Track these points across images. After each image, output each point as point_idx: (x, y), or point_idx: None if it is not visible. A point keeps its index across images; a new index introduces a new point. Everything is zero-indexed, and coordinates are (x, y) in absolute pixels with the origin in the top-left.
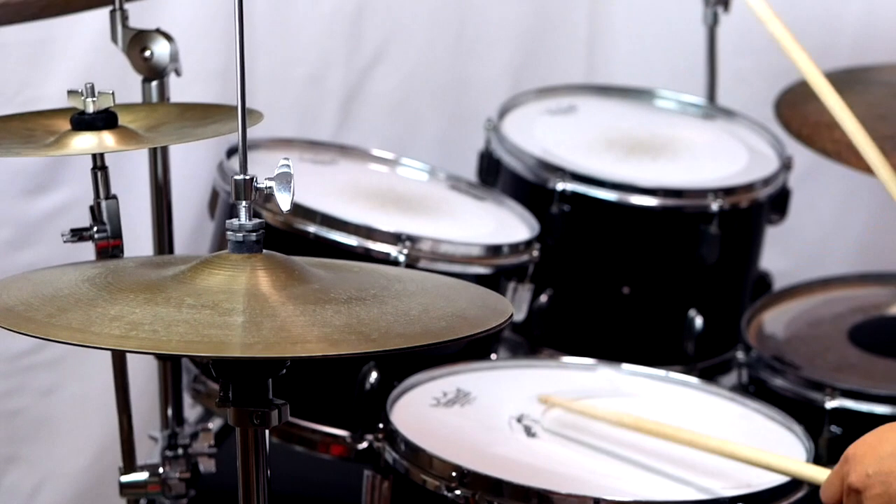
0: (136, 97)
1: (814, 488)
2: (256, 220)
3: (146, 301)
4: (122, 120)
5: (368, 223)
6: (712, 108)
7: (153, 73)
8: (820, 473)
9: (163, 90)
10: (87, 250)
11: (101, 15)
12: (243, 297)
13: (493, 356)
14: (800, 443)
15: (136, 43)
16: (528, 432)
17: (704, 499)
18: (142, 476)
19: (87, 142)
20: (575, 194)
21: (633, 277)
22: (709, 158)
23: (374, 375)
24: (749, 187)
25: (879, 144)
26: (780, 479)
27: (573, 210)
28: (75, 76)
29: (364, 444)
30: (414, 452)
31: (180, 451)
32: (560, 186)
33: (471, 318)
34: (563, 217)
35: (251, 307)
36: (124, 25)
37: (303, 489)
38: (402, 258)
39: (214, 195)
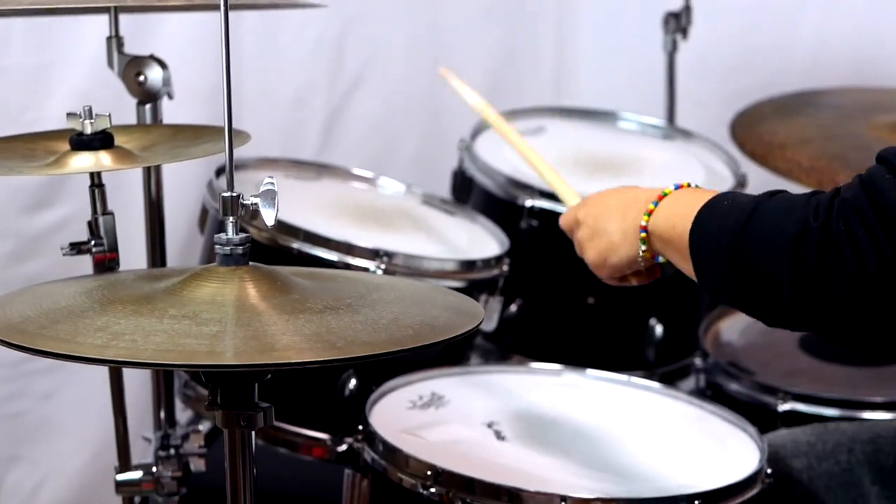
0: (131, 119)
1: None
2: (243, 235)
3: (132, 312)
4: (118, 140)
5: (348, 240)
6: (671, 129)
7: (147, 96)
8: (570, 198)
9: (156, 112)
10: (86, 263)
11: (99, 42)
12: (225, 307)
13: (466, 362)
14: (754, 443)
15: (131, 68)
16: (499, 436)
17: (664, 496)
18: (136, 475)
19: (85, 161)
20: (543, 210)
21: (597, 289)
22: (668, 176)
23: (353, 382)
24: None
25: (829, 164)
26: (734, 479)
27: (541, 225)
28: (74, 99)
29: (344, 447)
30: (391, 453)
31: (172, 451)
32: (529, 203)
33: (439, 325)
34: (531, 232)
35: (229, 317)
36: (120, 52)
37: (287, 488)
38: (380, 272)
39: (204, 211)
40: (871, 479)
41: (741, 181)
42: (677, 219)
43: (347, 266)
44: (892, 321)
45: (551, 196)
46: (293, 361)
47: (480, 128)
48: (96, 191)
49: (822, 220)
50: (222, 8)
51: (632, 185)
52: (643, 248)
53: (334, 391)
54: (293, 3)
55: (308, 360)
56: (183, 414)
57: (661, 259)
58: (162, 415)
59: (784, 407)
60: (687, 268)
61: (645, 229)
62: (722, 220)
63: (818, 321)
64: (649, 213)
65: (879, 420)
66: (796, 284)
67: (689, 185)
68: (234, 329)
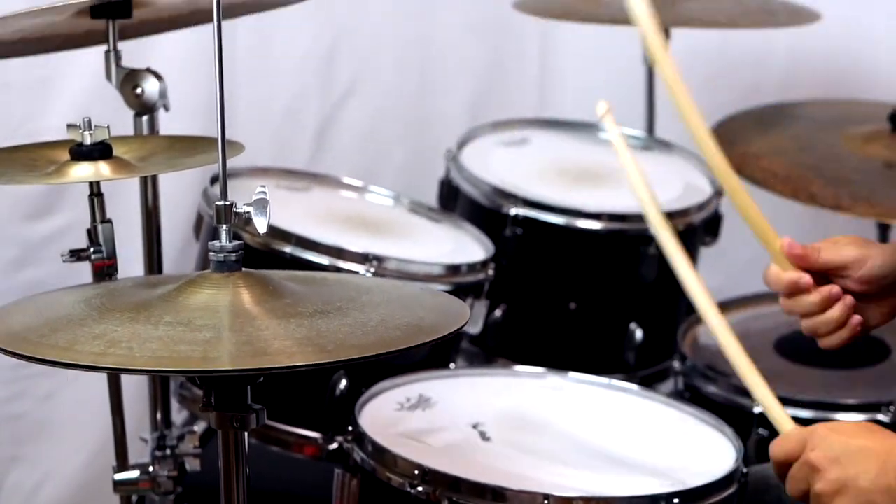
0: (129, 130)
1: (741, 487)
2: (236, 242)
3: (129, 319)
4: (117, 151)
5: (339, 244)
6: (651, 140)
7: (144, 108)
8: (784, 422)
9: (153, 124)
10: (85, 269)
11: (97, 55)
12: (218, 313)
13: (452, 365)
14: (730, 444)
15: (129, 81)
16: (484, 437)
17: (644, 494)
18: (133, 474)
19: (84, 171)
20: (527, 218)
21: (579, 294)
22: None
23: (343, 382)
24: (685, 212)
25: (803, 174)
26: (713, 477)
27: (525, 233)
28: (74, 111)
29: (334, 445)
30: (380, 452)
31: (168, 451)
32: (513, 211)
33: (426, 326)
34: (515, 239)
35: (223, 323)
36: (118, 65)
37: (279, 486)
38: (369, 276)
39: (199, 219)
40: None
41: (718, 191)
42: None
43: (338, 270)
44: None
45: (535, 204)
46: (284, 365)
47: (467, 138)
48: (95, 200)
49: None
50: (216, 22)
51: (867, 424)
52: None
53: (325, 392)
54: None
55: (298, 363)
56: (179, 415)
57: None
58: (158, 416)
59: (759, 409)
60: None
61: None
62: None
63: None
64: None
65: None
66: None
67: None
68: (228, 334)
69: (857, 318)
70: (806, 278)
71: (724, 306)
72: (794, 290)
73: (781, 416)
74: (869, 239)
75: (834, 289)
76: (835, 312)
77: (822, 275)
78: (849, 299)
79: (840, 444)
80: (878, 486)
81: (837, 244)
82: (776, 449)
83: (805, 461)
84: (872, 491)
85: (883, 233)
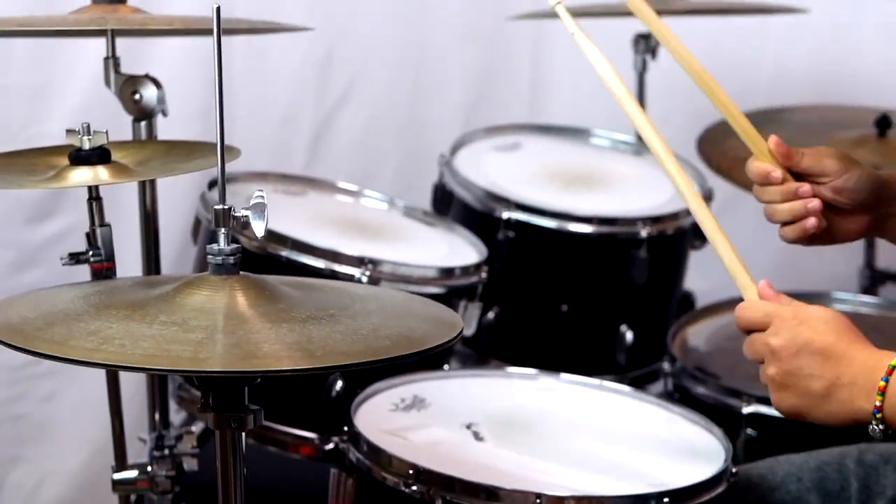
0: (128, 135)
1: (730, 486)
2: (234, 245)
3: (125, 317)
4: (115, 156)
5: (334, 248)
6: (642, 145)
7: (142, 113)
8: (749, 289)
9: (151, 129)
10: (84, 272)
11: (96, 61)
12: (214, 315)
13: (446, 366)
14: (720, 444)
15: (128, 87)
16: (477, 437)
17: (635, 494)
18: (132, 474)
19: (83, 175)
20: (519, 222)
21: (570, 296)
22: (638, 190)
23: (339, 384)
24: (674, 216)
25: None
26: (702, 477)
27: (517, 236)
28: (73, 116)
29: (331, 445)
30: (375, 452)
31: (166, 451)
32: (506, 215)
33: (416, 337)
34: (508, 243)
35: (217, 325)
36: (117, 71)
37: (276, 486)
38: (364, 279)
39: (197, 222)
40: None
41: (708, 195)
42: None
43: (334, 273)
44: None
45: (527, 208)
46: (272, 369)
47: (460, 143)
48: (94, 203)
49: None
50: (215, 31)
51: (835, 321)
52: (879, 427)
53: (322, 393)
54: (283, 26)
55: (286, 368)
56: (177, 416)
57: None
58: (157, 417)
59: (748, 409)
60: None
61: (880, 410)
62: None
63: None
64: (881, 392)
65: (822, 450)
66: None
67: None
68: (220, 336)
69: (814, 221)
70: (778, 172)
71: (713, 309)
72: (765, 181)
73: (747, 283)
74: (854, 158)
75: (804, 186)
76: (795, 205)
77: (800, 178)
78: (815, 201)
79: (804, 340)
80: (827, 396)
81: (821, 153)
82: (740, 312)
83: (766, 342)
84: (821, 398)
85: (870, 239)
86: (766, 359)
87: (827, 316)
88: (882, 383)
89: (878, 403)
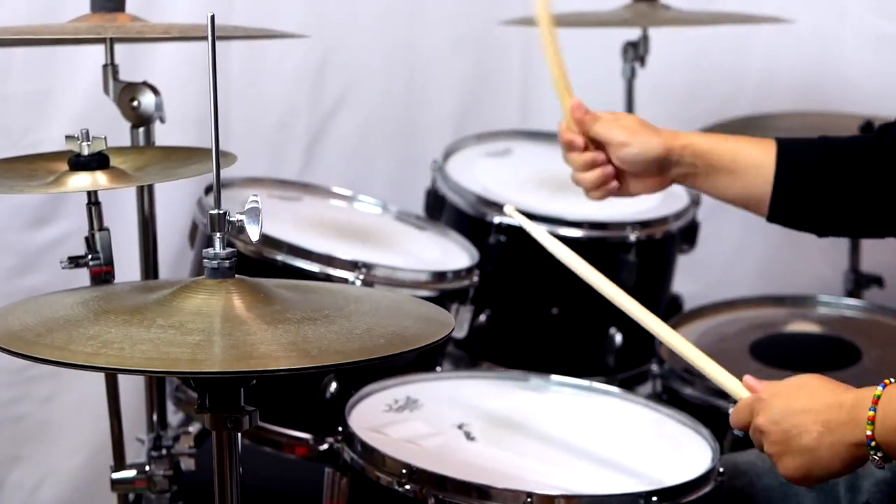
0: (126, 141)
1: (717, 485)
2: (230, 249)
3: (123, 322)
4: (114, 161)
5: (329, 252)
6: None
7: (140, 120)
8: (738, 391)
9: (149, 135)
10: (83, 276)
11: (95, 69)
12: (210, 318)
13: (439, 368)
14: (707, 444)
15: (126, 94)
16: (469, 437)
17: (623, 493)
18: (130, 473)
19: (82, 180)
20: (510, 227)
21: (561, 299)
22: None
23: (333, 385)
24: (663, 221)
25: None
26: (689, 476)
27: (509, 241)
28: (72, 123)
29: (325, 446)
30: (369, 452)
31: (164, 451)
32: (497, 220)
33: (410, 336)
34: (499, 247)
35: (213, 327)
36: (115, 79)
37: (271, 485)
38: (358, 283)
39: (194, 227)
40: (805, 489)
41: (695, 200)
42: None
43: (328, 277)
44: None
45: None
46: (268, 369)
47: (452, 149)
48: (93, 208)
49: None
50: (209, 38)
51: (809, 381)
52: (877, 455)
53: (316, 394)
54: (278, 34)
55: (282, 367)
56: (174, 416)
57: None
58: (154, 417)
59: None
60: None
61: (873, 439)
62: None
63: None
64: (871, 421)
65: None
66: None
67: (890, 382)
68: (217, 338)
69: (614, 185)
70: (579, 140)
71: (701, 312)
72: (569, 147)
73: (736, 388)
74: (649, 124)
75: (599, 157)
76: (593, 174)
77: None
78: (609, 168)
79: (781, 408)
80: (822, 444)
81: (613, 122)
82: (733, 418)
83: (754, 426)
84: (817, 448)
85: (854, 242)
86: (762, 440)
87: (801, 381)
88: (871, 413)
89: (868, 433)
